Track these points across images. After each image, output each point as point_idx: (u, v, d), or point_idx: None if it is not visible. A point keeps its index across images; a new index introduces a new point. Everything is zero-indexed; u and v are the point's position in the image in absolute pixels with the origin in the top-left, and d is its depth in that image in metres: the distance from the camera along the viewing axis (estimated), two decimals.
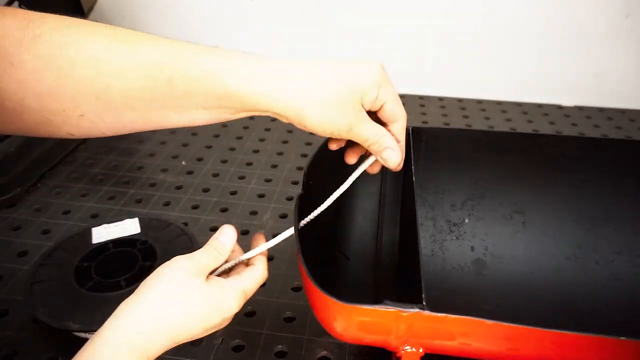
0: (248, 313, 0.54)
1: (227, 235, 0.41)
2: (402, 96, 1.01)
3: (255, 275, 0.41)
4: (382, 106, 0.39)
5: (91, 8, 0.87)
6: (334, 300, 0.37)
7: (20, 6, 0.82)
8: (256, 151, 0.84)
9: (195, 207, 0.71)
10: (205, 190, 0.74)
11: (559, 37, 0.95)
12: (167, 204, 0.71)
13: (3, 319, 0.53)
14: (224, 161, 0.82)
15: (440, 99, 1.02)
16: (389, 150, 0.40)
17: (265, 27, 1.04)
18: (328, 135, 0.39)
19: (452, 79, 1.03)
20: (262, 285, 0.57)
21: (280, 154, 0.83)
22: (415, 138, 0.57)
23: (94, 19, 0.90)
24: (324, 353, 0.50)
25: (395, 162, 0.40)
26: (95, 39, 0.34)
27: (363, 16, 0.99)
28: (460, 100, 1.02)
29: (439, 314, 0.36)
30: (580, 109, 0.99)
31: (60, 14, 0.35)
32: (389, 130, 0.40)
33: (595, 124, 0.93)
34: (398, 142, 0.41)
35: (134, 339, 0.34)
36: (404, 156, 0.41)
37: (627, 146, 0.57)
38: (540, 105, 1.00)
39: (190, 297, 0.36)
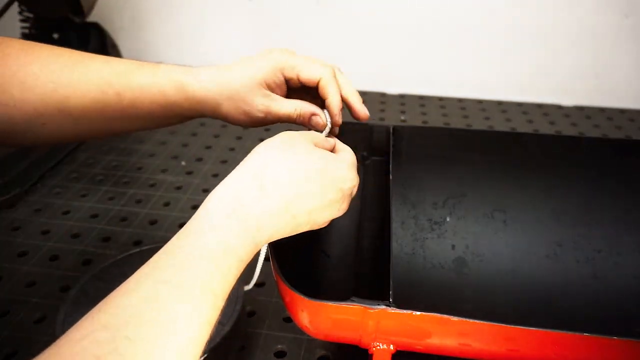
0: (248, 313, 0.54)
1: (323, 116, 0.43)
2: (402, 96, 1.03)
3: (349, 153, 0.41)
4: (298, 76, 0.43)
5: (91, 8, 0.87)
6: (302, 297, 0.37)
7: (20, 6, 0.82)
8: None
9: (195, 207, 0.70)
10: (205, 191, 0.74)
11: (559, 37, 0.95)
12: (167, 204, 0.71)
13: (3, 319, 0.53)
14: (224, 161, 0.82)
15: (440, 99, 1.03)
16: (313, 117, 0.43)
17: (264, 23, 1.04)
18: (257, 125, 0.44)
19: (452, 79, 1.03)
20: (262, 285, 0.57)
21: None
22: (396, 137, 0.57)
23: (94, 18, 0.90)
24: (323, 353, 0.50)
25: (323, 124, 0.43)
26: (55, 59, 0.40)
27: (363, 16, 0.99)
28: (460, 100, 1.02)
29: (404, 311, 0.36)
30: (580, 109, 0.99)
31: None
32: (326, 98, 0.43)
33: (595, 124, 0.93)
34: (326, 99, 0.43)
35: (238, 209, 0.32)
36: (359, 99, 0.44)
37: (607, 145, 0.57)
38: (540, 105, 1.00)
39: (300, 156, 0.35)
